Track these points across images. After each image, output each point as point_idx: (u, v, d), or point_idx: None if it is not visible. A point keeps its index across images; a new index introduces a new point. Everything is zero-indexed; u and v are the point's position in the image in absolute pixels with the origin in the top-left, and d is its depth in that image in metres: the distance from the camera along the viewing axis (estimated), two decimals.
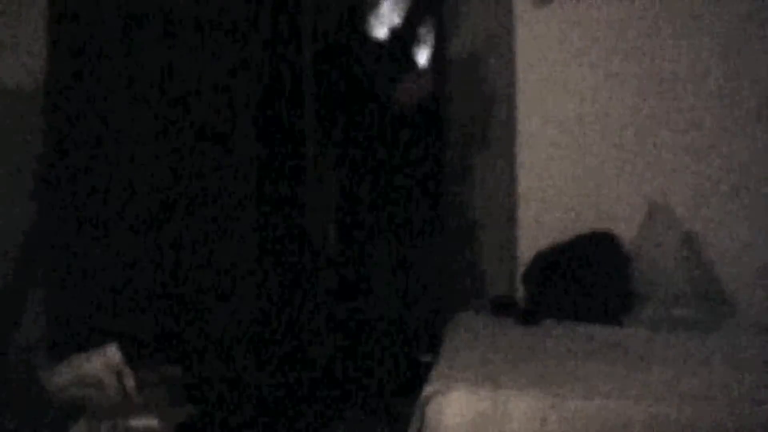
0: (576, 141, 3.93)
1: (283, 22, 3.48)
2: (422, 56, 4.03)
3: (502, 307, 3.78)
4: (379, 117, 3.92)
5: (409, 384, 3.25)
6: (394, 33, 3.95)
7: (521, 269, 3.88)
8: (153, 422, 2.58)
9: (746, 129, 3.84)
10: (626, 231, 3.84)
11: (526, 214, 3.96)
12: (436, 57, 4.09)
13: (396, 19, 3.90)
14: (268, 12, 3.23)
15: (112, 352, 2.89)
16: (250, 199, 3.10)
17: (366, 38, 3.98)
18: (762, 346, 3.12)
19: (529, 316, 3.60)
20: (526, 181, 3.97)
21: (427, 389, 2.51)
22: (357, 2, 4.20)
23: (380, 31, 3.94)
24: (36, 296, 3.11)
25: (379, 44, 3.96)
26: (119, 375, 2.85)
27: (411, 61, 3.99)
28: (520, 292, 3.89)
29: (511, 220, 4.04)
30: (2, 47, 3.02)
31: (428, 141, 4.00)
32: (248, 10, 3.13)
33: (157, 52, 3.05)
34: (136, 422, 2.58)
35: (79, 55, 3.07)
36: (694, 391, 2.50)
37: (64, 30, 3.06)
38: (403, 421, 2.67)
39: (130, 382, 2.85)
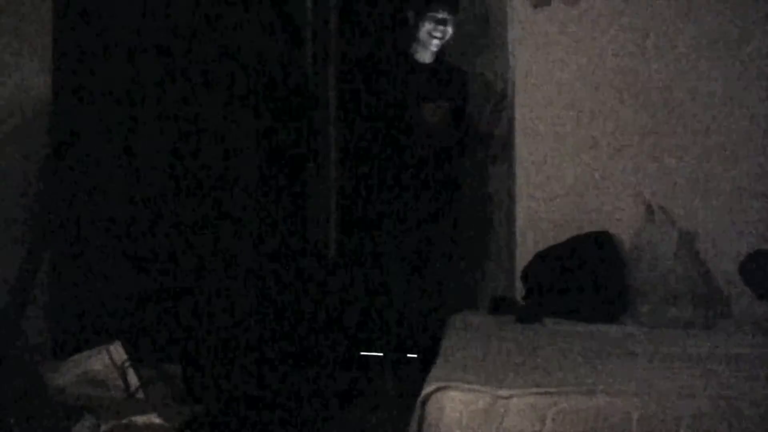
0: (574, 142, 3.95)
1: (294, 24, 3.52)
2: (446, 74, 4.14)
3: (502, 306, 3.80)
4: (390, 122, 3.97)
5: (410, 382, 3.27)
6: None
7: (520, 269, 3.91)
8: (156, 420, 2.58)
9: (744, 130, 3.86)
10: (624, 231, 3.87)
11: (524, 214, 3.98)
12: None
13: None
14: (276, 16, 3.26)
15: (116, 351, 2.90)
16: (252, 201, 3.11)
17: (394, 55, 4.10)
18: (757, 344, 3.15)
19: (527, 315, 3.62)
20: (524, 182, 3.99)
21: (427, 387, 2.54)
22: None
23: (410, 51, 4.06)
24: (39, 295, 3.12)
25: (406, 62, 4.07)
26: (122, 373, 2.86)
27: (437, 80, 4.07)
28: (519, 292, 3.91)
29: (511, 220, 4.06)
30: (8, 67, 3.08)
31: (433, 145, 4.03)
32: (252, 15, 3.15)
33: (159, 69, 3.08)
34: (140, 420, 2.58)
35: (82, 74, 3.12)
36: (690, 388, 2.53)
37: (67, 50, 3.11)
38: (403, 419, 2.70)
39: (133, 381, 2.86)
